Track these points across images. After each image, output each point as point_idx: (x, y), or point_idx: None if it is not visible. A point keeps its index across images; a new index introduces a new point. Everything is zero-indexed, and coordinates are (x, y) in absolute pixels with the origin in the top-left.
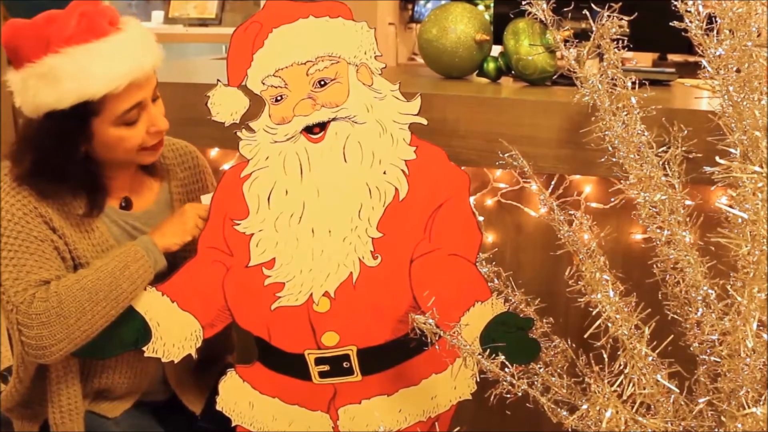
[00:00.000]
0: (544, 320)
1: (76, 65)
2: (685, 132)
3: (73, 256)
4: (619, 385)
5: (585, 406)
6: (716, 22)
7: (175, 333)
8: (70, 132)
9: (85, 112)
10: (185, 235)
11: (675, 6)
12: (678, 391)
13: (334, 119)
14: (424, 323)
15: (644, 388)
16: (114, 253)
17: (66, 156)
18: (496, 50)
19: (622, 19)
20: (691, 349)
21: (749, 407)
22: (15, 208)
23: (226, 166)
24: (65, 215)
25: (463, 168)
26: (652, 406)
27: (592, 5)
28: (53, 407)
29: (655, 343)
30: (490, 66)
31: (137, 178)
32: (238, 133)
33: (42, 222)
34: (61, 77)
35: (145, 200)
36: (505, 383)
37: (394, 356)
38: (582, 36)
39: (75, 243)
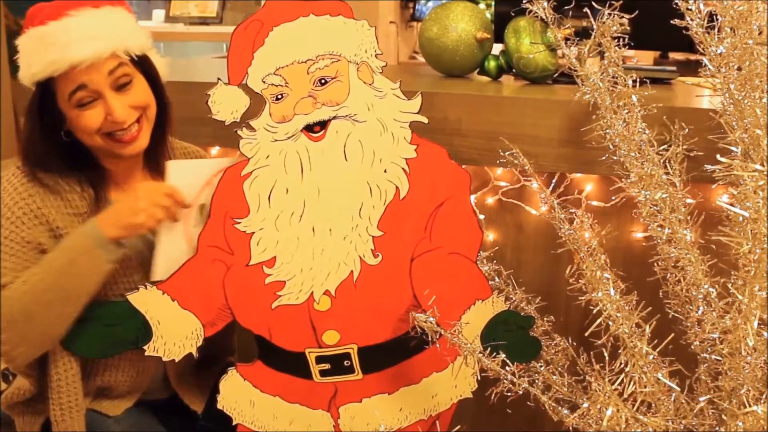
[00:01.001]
0: (545, 319)
1: (29, 46)
2: (686, 130)
3: None
4: (619, 384)
5: (586, 405)
6: (717, 20)
7: (175, 332)
8: (44, 108)
9: (46, 91)
10: (134, 216)
11: (676, 4)
12: (679, 389)
13: (334, 118)
14: (425, 322)
15: (645, 387)
16: (63, 245)
17: (48, 132)
18: (497, 48)
19: (623, 17)
20: (692, 347)
21: (750, 405)
22: (17, 207)
23: None
24: (71, 215)
25: (463, 166)
26: (653, 405)
27: (593, 3)
28: (54, 404)
29: (656, 341)
30: (491, 64)
31: (147, 179)
32: (239, 132)
33: (38, 224)
34: (21, 55)
35: None
36: (505, 382)
37: (394, 355)
38: (583, 34)
39: None
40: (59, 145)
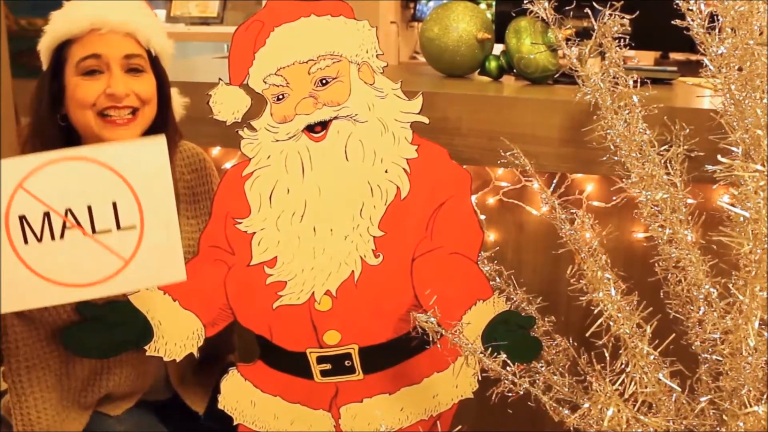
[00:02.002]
0: (546, 319)
1: (62, 12)
2: (687, 130)
3: None
4: (620, 384)
5: (587, 405)
6: (718, 20)
7: (176, 332)
8: (48, 80)
9: (59, 59)
10: None
11: (677, 4)
12: (680, 389)
13: (335, 118)
14: (426, 322)
15: (646, 387)
16: None
17: (50, 112)
18: (497, 49)
19: (624, 17)
20: (693, 347)
21: (751, 406)
22: None
23: (227, 165)
24: None
25: (464, 166)
26: (654, 405)
27: (594, 4)
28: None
29: (656, 341)
30: (492, 64)
31: None
32: (240, 132)
33: None
34: (49, 24)
35: None
36: (506, 382)
37: (395, 355)
38: (584, 34)
39: None
40: (57, 127)
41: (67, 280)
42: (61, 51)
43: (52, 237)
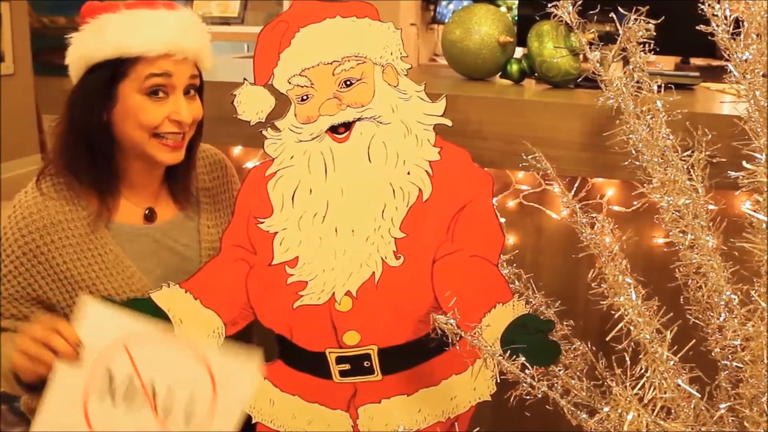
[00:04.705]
0: (564, 323)
1: (124, 22)
2: (709, 136)
3: (78, 286)
4: (639, 389)
5: (606, 410)
6: (743, 26)
7: (197, 330)
8: (98, 89)
9: (115, 72)
10: (14, 357)
11: (702, 10)
12: (699, 396)
13: (359, 119)
14: (446, 324)
15: (665, 393)
16: None
17: (90, 118)
18: (519, 52)
19: (648, 22)
20: (713, 354)
21: None
22: (17, 245)
23: (249, 165)
24: (75, 240)
25: (485, 169)
26: (673, 411)
27: (619, 8)
28: None
29: (676, 347)
30: (514, 68)
31: (163, 189)
32: (264, 132)
33: (37, 263)
34: (107, 29)
35: (170, 209)
36: (525, 385)
37: (414, 356)
38: (606, 39)
39: (81, 275)
40: (96, 131)
41: None
42: (121, 64)
43: (124, 401)
